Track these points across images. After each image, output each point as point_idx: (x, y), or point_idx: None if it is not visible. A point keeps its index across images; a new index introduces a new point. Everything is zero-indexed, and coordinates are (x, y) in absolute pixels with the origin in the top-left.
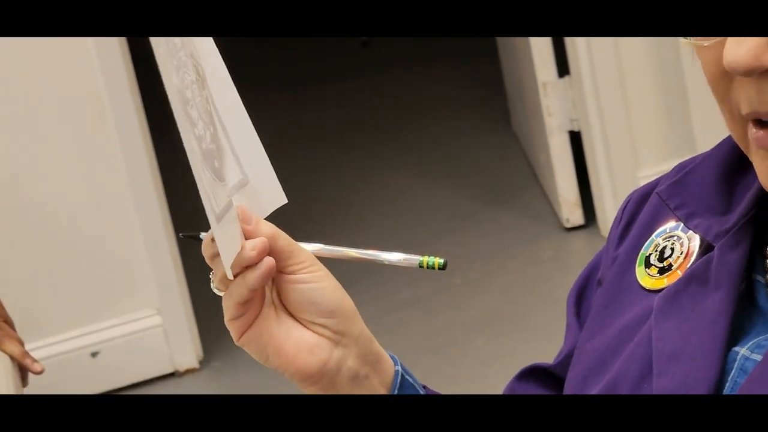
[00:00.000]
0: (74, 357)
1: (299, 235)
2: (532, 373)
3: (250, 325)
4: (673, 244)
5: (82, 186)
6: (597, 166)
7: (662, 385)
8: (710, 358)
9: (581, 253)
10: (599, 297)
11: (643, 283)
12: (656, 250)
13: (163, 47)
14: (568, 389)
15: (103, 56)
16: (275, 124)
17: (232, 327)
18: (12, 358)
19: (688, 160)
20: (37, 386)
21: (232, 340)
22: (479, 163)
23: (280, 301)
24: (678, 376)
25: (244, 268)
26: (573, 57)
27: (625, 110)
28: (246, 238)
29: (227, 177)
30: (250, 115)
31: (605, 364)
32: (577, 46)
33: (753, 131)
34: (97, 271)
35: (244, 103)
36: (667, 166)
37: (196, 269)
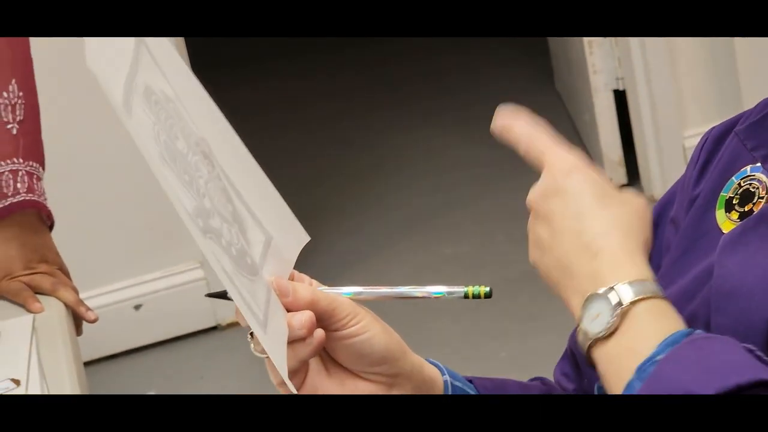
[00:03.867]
0: (118, 309)
1: (343, 194)
2: None
3: (302, 384)
4: (754, 187)
5: (130, 140)
6: (642, 125)
7: (719, 322)
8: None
9: None
10: (678, 242)
11: (723, 228)
12: (737, 194)
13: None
14: None
15: None
16: (318, 84)
17: (282, 389)
18: (67, 305)
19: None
20: (83, 339)
21: None
22: None
23: (329, 355)
24: (735, 314)
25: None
26: None
27: (671, 69)
28: (287, 310)
29: (255, 253)
30: (270, 79)
31: (681, 311)
32: None
33: None
34: (140, 224)
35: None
36: (714, 124)
37: None
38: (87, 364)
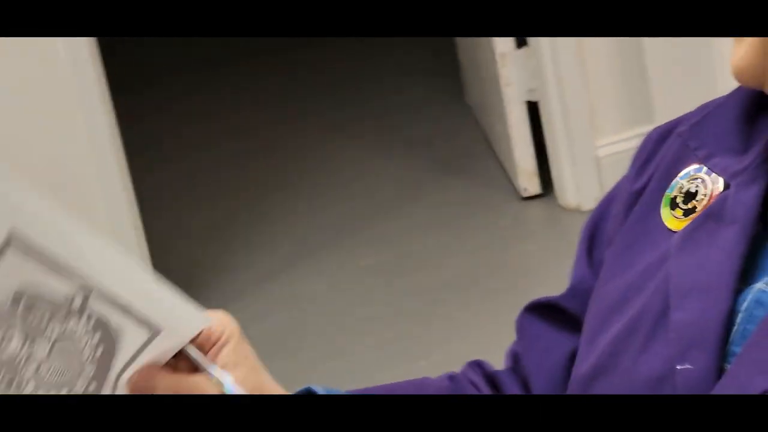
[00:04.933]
0: None
1: (259, 207)
2: (539, 306)
3: None
4: (697, 186)
5: (44, 159)
6: (555, 135)
7: (678, 317)
8: (724, 289)
9: (538, 221)
10: (622, 236)
11: (668, 225)
12: (681, 192)
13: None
14: (590, 325)
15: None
16: (222, 95)
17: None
18: None
19: (711, 101)
20: None
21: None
22: (433, 134)
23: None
24: (693, 309)
25: None
26: None
27: (583, 80)
28: None
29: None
30: (189, 95)
31: (629, 301)
32: None
33: None
34: None
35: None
36: (625, 135)
37: (157, 245)
38: None
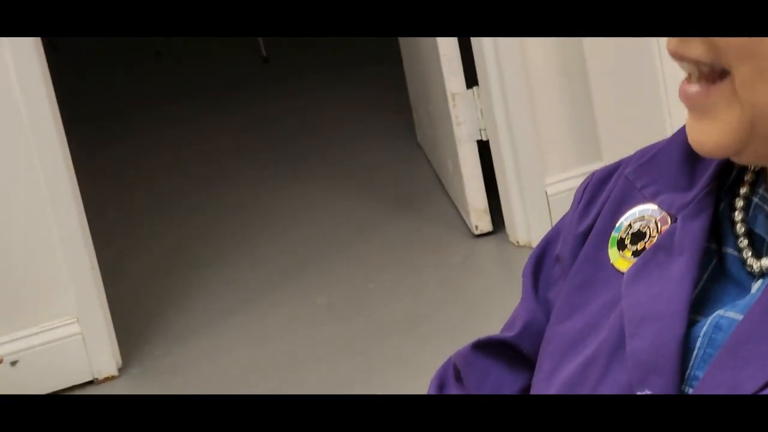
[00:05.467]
0: None
1: (216, 246)
2: (489, 344)
3: None
4: (644, 227)
5: (3, 195)
6: (505, 173)
7: (635, 345)
8: (677, 315)
9: (490, 258)
10: (571, 278)
11: (617, 266)
12: (628, 233)
13: None
14: (546, 364)
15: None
16: (178, 135)
17: None
18: None
19: (653, 144)
20: None
21: (150, 347)
22: (385, 173)
23: None
24: (649, 336)
25: None
26: (481, 68)
27: (533, 119)
28: None
29: None
30: (152, 127)
31: (584, 339)
32: (486, 56)
33: (681, 85)
34: (14, 279)
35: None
36: (574, 172)
37: (114, 277)
38: None
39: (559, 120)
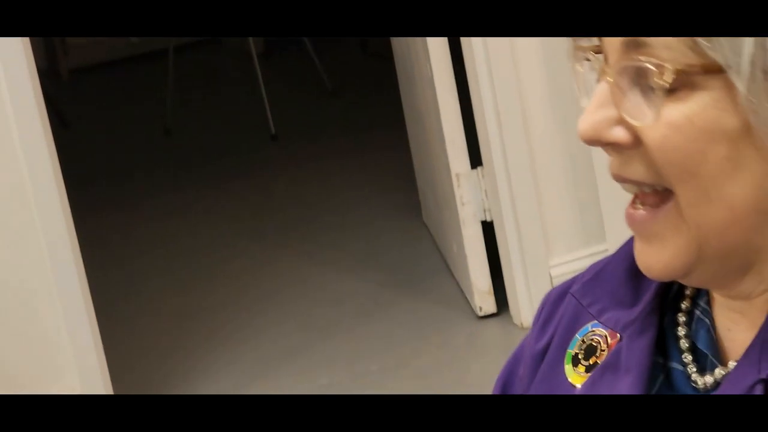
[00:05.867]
0: None
1: (218, 327)
2: None
3: None
4: (596, 342)
5: (2, 262)
6: (510, 255)
7: None
8: None
9: (494, 340)
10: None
11: (572, 381)
12: (581, 349)
13: None
14: None
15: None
16: (189, 218)
17: None
18: None
19: (601, 259)
20: None
21: None
22: (392, 254)
23: None
24: None
25: None
26: (485, 148)
27: (537, 201)
28: None
29: None
30: (166, 203)
31: None
32: (490, 137)
33: (627, 210)
34: (15, 343)
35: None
36: (578, 254)
37: (115, 350)
38: None
39: (563, 201)
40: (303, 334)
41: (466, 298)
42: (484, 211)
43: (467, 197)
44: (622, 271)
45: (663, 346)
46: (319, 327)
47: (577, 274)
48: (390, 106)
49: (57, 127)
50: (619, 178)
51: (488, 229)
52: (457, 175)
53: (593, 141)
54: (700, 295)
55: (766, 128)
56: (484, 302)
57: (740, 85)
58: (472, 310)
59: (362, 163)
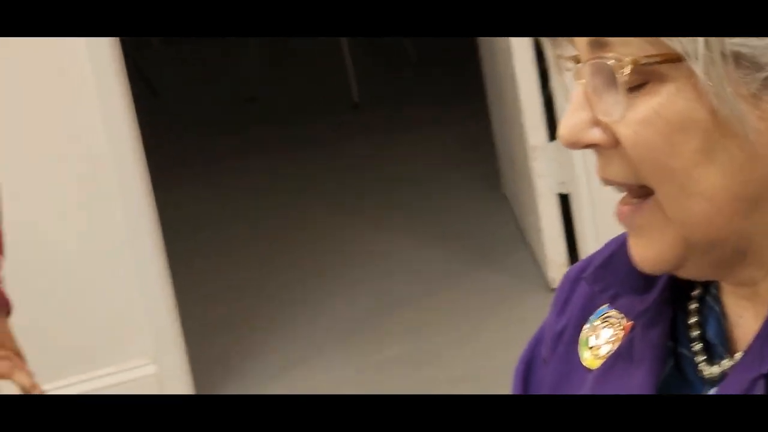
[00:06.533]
0: None
1: (289, 296)
2: None
3: None
4: (609, 325)
5: (81, 234)
6: (585, 228)
7: None
8: None
9: None
10: (549, 379)
11: (586, 365)
12: (595, 332)
13: None
14: None
15: (105, 99)
16: (268, 185)
17: None
18: (22, 389)
19: (617, 237)
20: None
21: (226, 389)
22: (469, 224)
23: None
24: None
25: None
26: None
27: None
28: None
29: None
30: (246, 170)
31: None
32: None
33: (617, 206)
34: (93, 318)
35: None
36: None
37: (191, 318)
38: None
39: None
40: (373, 305)
41: (541, 270)
42: (560, 183)
43: (543, 170)
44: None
45: (674, 332)
46: (390, 297)
47: (596, 251)
48: (472, 77)
49: (146, 95)
50: (605, 181)
51: (564, 201)
52: (534, 148)
53: (573, 144)
54: (712, 282)
55: (732, 113)
56: (558, 274)
57: (699, 71)
58: (546, 283)
59: (443, 134)
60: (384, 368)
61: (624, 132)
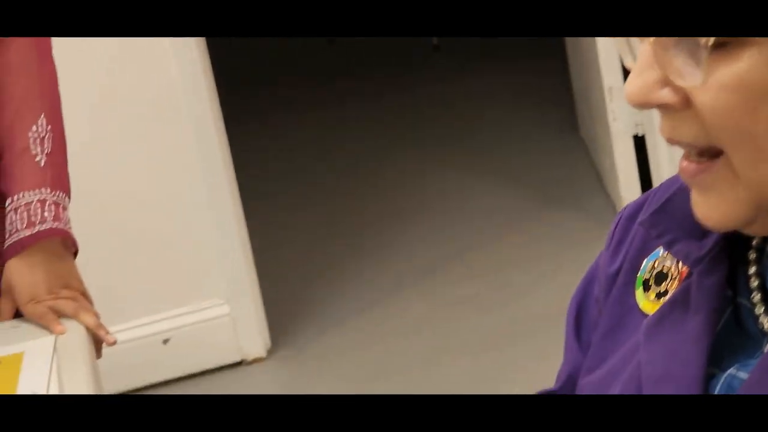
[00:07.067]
0: (147, 343)
1: (363, 239)
2: None
3: None
4: (666, 268)
5: (158, 177)
6: (660, 170)
7: None
8: (693, 380)
9: None
10: (603, 322)
11: (643, 308)
12: (651, 275)
13: None
14: None
15: (178, 48)
16: (344, 128)
17: None
18: (87, 328)
19: (673, 178)
20: (112, 370)
21: (299, 331)
22: (545, 166)
23: None
24: None
25: None
26: None
27: None
28: None
29: None
30: (324, 112)
31: (607, 388)
32: None
33: (681, 163)
34: (169, 259)
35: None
36: None
37: (265, 260)
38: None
39: None
40: (448, 246)
41: (616, 211)
42: (636, 125)
43: (619, 112)
44: (690, 201)
45: (733, 280)
46: (465, 239)
47: (652, 190)
48: None
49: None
50: (672, 142)
51: (640, 143)
52: (610, 89)
53: (642, 104)
54: None
55: None
56: None
57: None
58: None
59: (522, 76)
60: (458, 308)
61: (702, 97)
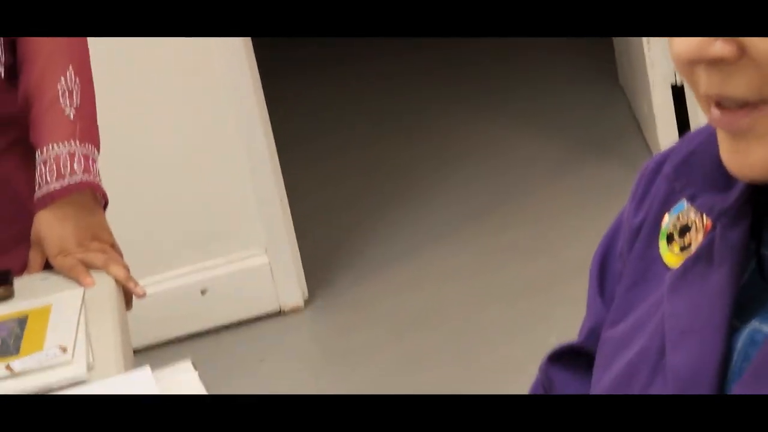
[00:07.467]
0: (185, 293)
1: (391, 185)
2: (563, 355)
3: None
4: (689, 221)
5: (195, 128)
6: (699, 118)
7: (675, 360)
8: (717, 332)
9: None
10: (627, 274)
11: (666, 261)
12: (675, 228)
13: None
14: (597, 372)
15: None
16: (385, 78)
17: None
18: (117, 281)
19: (696, 132)
20: (149, 321)
21: (337, 280)
22: (585, 115)
23: None
24: (688, 352)
25: None
26: None
27: None
28: None
29: None
30: (346, 63)
31: (632, 340)
32: None
33: (713, 111)
34: (206, 210)
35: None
36: None
37: (302, 210)
38: (155, 346)
39: None
40: (489, 195)
41: None
42: (675, 73)
43: (657, 59)
44: (715, 153)
45: (758, 232)
46: (506, 187)
47: (676, 143)
48: None
49: None
50: (720, 97)
51: (679, 91)
52: (649, 38)
53: (695, 60)
54: None
55: None
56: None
57: None
58: None
59: None
60: (498, 256)
61: (761, 46)
